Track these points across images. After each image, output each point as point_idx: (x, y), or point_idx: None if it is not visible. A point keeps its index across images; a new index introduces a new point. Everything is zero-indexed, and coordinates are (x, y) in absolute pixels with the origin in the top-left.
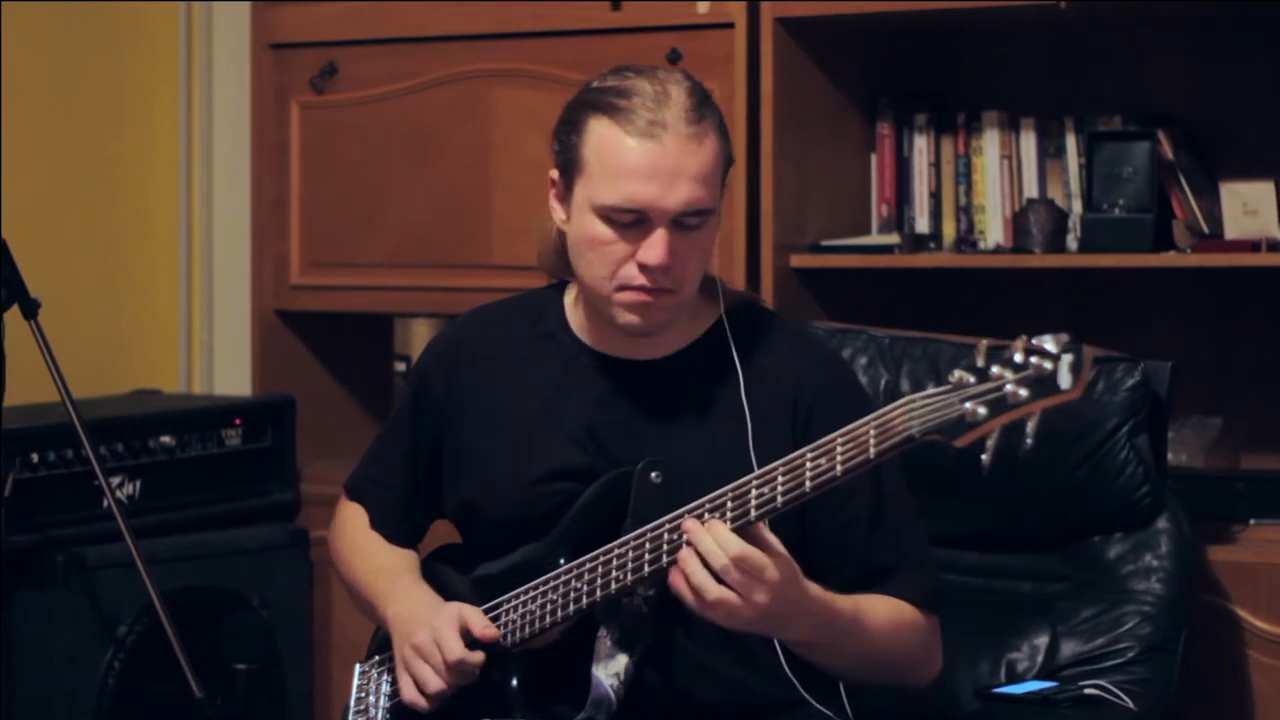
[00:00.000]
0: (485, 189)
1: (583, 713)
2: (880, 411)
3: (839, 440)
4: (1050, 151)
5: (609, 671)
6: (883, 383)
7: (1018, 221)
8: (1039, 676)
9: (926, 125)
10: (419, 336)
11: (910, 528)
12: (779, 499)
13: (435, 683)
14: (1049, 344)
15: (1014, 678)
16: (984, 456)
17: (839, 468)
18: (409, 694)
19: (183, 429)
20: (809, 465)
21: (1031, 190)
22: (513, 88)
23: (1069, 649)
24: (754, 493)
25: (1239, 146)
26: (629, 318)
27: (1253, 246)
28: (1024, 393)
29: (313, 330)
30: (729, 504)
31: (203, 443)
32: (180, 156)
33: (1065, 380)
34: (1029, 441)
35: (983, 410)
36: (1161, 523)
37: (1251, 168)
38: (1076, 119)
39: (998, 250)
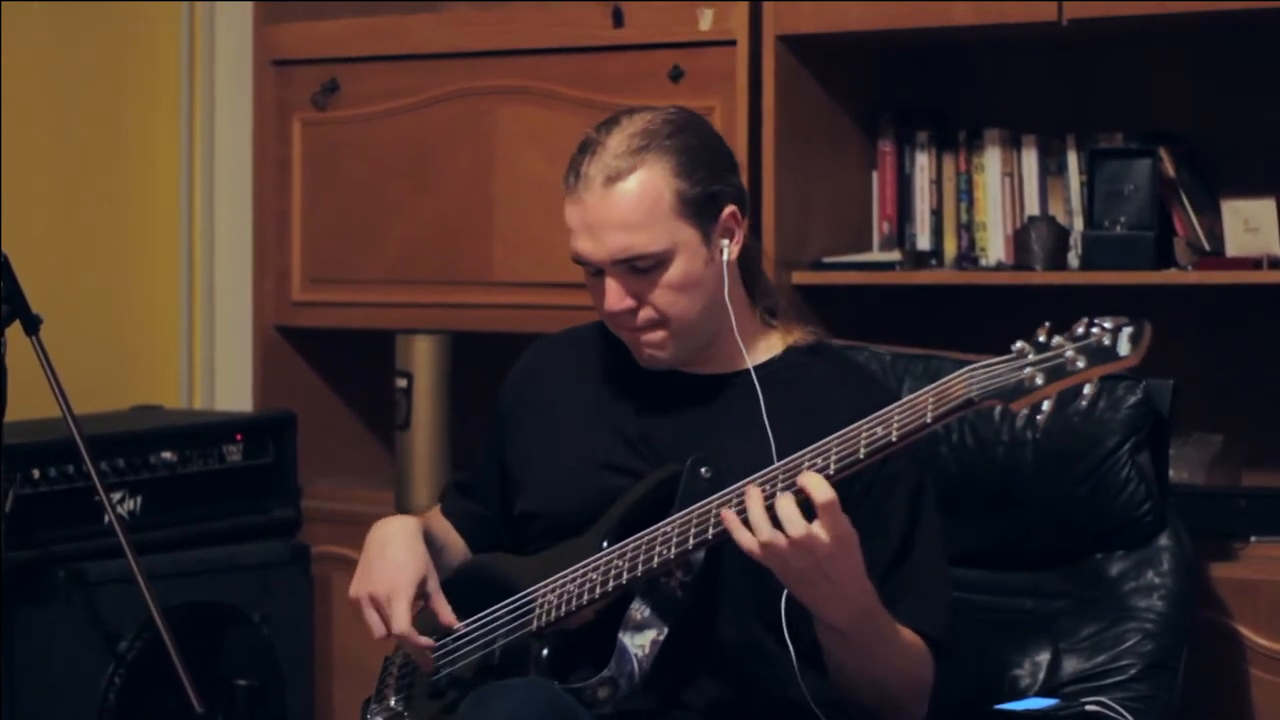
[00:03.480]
0: (487, 206)
1: (605, 671)
2: (940, 380)
3: (895, 410)
4: (1051, 169)
5: (635, 642)
6: None
7: (1019, 238)
8: (1041, 693)
9: (928, 142)
10: (420, 353)
11: (933, 574)
12: (832, 466)
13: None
14: (1108, 322)
15: (1016, 695)
16: (1039, 418)
17: (895, 433)
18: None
19: (184, 445)
20: (864, 433)
21: (1033, 207)
22: (515, 105)
23: (1071, 666)
24: (806, 463)
25: (1240, 164)
26: (635, 351)
27: (1254, 264)
28: (1081, 362)
29: (314, 346)
30: (779, 476)
31: (204, 458)
32: (182, 172)
33: (1124, 348)
34: (1083, 403)
35: (1040, 378)
36: (1163, 540)
37: (1253, 185)
38: (1078, 136)
39: (999, 267)
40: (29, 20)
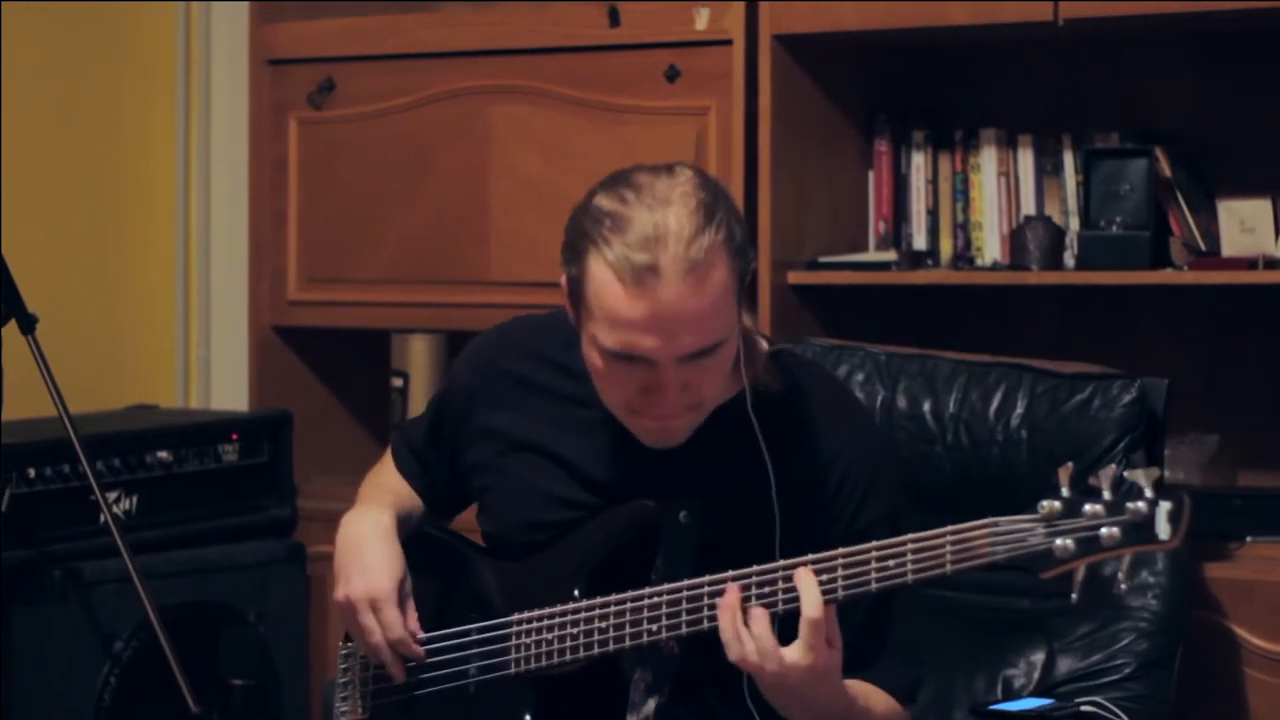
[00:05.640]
0: (483, 205)
1: None
2: (960, 527)
3: (910, 545)
4: (1048, 168)
5: (641, 716)
6: (879, 399)
7: (1015, 238)
8: (1036, 693)
9: (924, 142)
10: (416, 352)
11: (904, 629)
12: (840, 593)
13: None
14: (1142, 480)
15: (1010, 694)
16: (1073, 595)
17: (910, 576)
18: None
19: (180, 444)
20: (875, 564)
21: (1029, 207)
22: (510, 104)
23: (1065, 665)
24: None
25: (1236, 164)
26: (648, 438)
27: (1250, 264)
28: (1118, 535)
29: (310, 346)
30: (780, 583)
31: (200, 458)
32: (178, 172)
33: (1163, 530)
34: (1123, 587)
35: (1072, 546)
36: None
37: (1249, 185)
38: (1074, 136)
39: (995, 267)
40: (26, 20)
